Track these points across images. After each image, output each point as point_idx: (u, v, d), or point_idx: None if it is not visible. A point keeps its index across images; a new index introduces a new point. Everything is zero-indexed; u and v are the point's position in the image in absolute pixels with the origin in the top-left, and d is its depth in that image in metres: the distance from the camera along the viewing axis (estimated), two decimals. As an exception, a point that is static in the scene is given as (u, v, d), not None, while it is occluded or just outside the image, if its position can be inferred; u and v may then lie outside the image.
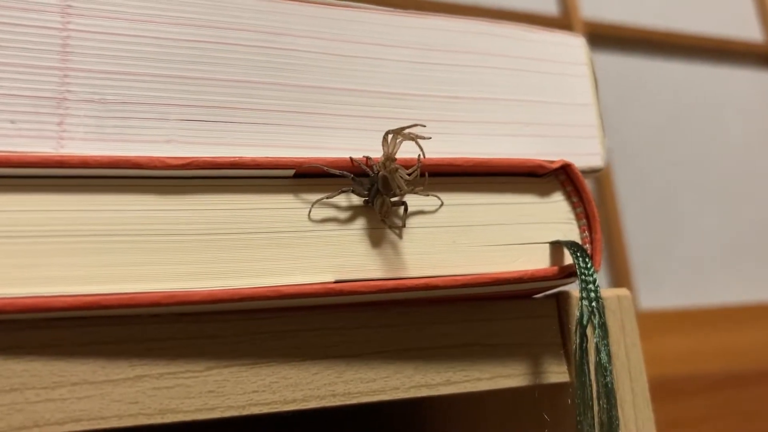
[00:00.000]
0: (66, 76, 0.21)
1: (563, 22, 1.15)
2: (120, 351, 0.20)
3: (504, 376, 0.24)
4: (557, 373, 0.25)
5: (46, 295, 0.19)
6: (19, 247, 0.19)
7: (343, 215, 0.22)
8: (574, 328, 0.22)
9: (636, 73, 1.21)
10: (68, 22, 0.21)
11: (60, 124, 0.21)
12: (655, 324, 1.00)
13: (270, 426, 0.40)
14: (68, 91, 0.21)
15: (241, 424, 0.40)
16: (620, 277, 1.03)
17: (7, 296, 0.19)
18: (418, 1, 1.00)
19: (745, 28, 1.35)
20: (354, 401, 0.22)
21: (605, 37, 1.17)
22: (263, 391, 0.21)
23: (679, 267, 1.14)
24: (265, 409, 0.21)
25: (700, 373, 1.03)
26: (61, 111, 0.21)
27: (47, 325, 0.19)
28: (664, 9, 1.28)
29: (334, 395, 0.22)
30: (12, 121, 0.20)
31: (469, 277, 0.22)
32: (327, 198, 0.22)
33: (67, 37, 0.21)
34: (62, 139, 0.21)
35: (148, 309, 0.20)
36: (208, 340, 0.21)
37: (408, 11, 0.25)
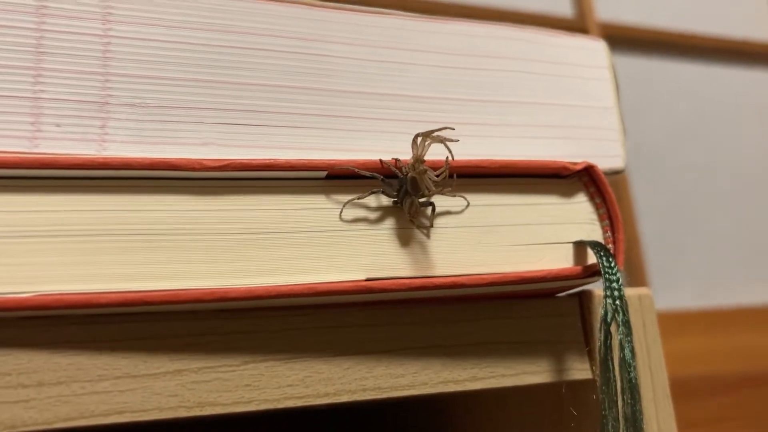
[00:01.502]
0: (107, 81, 0.22)
1: (578, 24, 1.16)
2: (161, 346, 0.21)
3: (528, 373, 0.25)
4: (580, 370, 0.25)
5: (90, 292, 0.20)
6: (66, 246, 0.20)
7: (373, 215, 0.23)
8: (598, 325, 0.23)
9: (652, 75, 1.21)
10: (109, 29, 0.22)
11: (102, 127, 0.21)
12: (670, 325, 1.00)
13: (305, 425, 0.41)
14: (110, 96, 0.22)
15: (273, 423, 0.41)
16: (636, 278, 1.03)
17: (55, 293, 0.19)
18: (436, 4, 1.00)
19: (762, 29, 1.35)
20: (384, 396, 0.23)
21: (621, 39, 1.17)
22: (297, 385, 0.22)
23: (694, 268, 1.14)
24: (299, 403, 0.22)
25: (715, 374, 1.03)
26: (102, 114, 0.21)
27: (92, 321, 0.20)
28: (680, 10, 1.28)
29: (364, 390, 0.22)
30: (58, 125, 0.21)
31: (495, 276, 0.23)
32: (358, 199, 0.23)
33: (108, 43, 0.22)
34: (104, 141, 0.21)
35: (189, 305, 0.20)
36: (244, 335, 0.21)
37: (435, 17, 0.25)
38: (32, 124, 0.21)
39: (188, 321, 0.21)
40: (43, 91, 0.21)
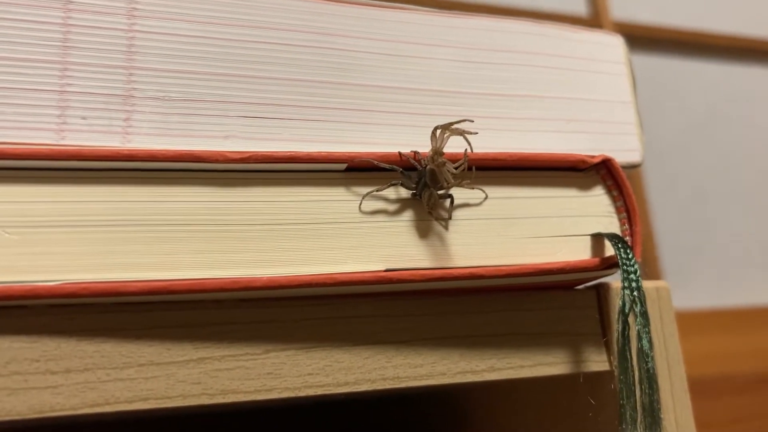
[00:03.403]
0: (132, 74, 0.22)
1: (593, 22, 1.16)
2: (185, 334, 0.21)
3: (546, 364, 0.25)
4: (597, 362, 0.25)
5: (116, 280, 0.20)
6: (92, 236, 0.20)
7: (392, 207, 0.23)
8: (615, 316, 0.23)
9: (667, 74, 1.21)
10: (134, 24, 0.22)
11: (126, 120, 0.22)
12: (685, 324, 0.99)
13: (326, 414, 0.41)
14: (134, 89, 0.22)
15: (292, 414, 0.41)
16: (651, 276, 1.03)
17: (81, 281, 0.20)
18: (453, 3, 1.00)
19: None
20: (402, 385, 0.23)
21: (635, 38, 1.17)
22: (317, 373, 0.22)
23: (709, 267, 1.14)
24: (320, 391, 0.22)
25: (730, 373, 1.03)
26: (127, 107, 0.22)
27: (117, 309, 0.21)
28: (695, 9, 1.28)
29: (384, 379, 0.23)
30: (83, 117, 0.21)
31: (513, 268, 0.23)
32: (377, 191, 0.23)
33: (133, 37, 0.22)
34: (128, 134, 0.22)
35: (212, 294, 0.21)
36: (266, 324, 0.22)
37: (455, 12, 0.26)
38: (59, 116, 0.21)
39: (212, 310, 0.21)
40: (69, 84, 0.21)
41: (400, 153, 0.23)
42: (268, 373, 0.22)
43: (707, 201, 1.19)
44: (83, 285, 0.20)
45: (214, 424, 0.39)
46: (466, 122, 0.22)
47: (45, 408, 0.19)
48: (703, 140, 1.22)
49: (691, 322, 1.02)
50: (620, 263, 0.23)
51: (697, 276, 1.13)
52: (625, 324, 0.23)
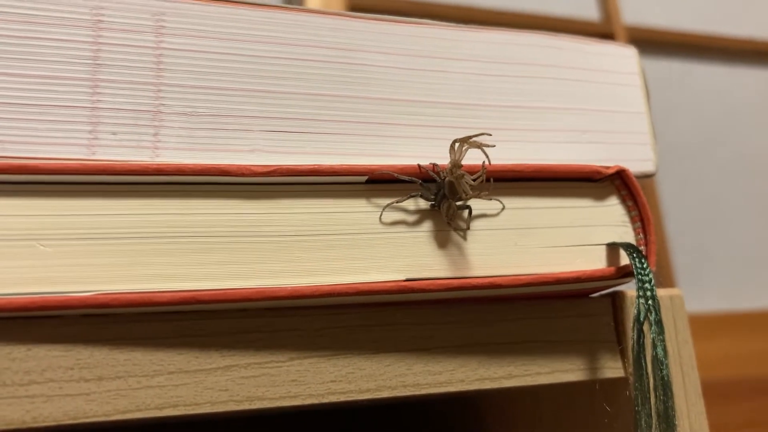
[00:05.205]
0: (160, 90, 0.23)
1: (605, 27, 1.16)
2: (212, 343, 0.22)
3: (562, 371, 0.25)
4: (612, 369, 0.26)
5: (146, 291, 0.21)
6: (122, 248, 0.21)
7: (412, 218, 0.24)
8: (631, 324, 0.24)
9: (679, 77, 1.21)
10: (161, 41, 0.23)
11: (155, 135, 0.22)
12: (698, 328, 0.99)
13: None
14: (162, 105, 0.23)
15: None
16: (664, 280, 1.03)
17: (113, 292, 0.20)
18: (469, 9, 1.01)
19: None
20: (422, 392, 0.24)
21: (647, 42, 1.17)
22: (340, 380, 0.23)
23: (722, 271, 1.14)
24: (342, 398, 0.23)
25: (743, 377, 1.03)
26: (156, 123, 0.23)
27: (147, 319, 0.21)
28: (706, 12, 1.28)
29: (404, 386, 0.23)
30: (114, 133, 0.22)
31: (531, 277, 0.24)
32: (397, 202, 0.24)
33: (161, 55, 0.23)
34: (157, 148, 0.22)
35: (238, 304, 0.21)
36: (290, 333, 0.22)
37: (471, 26, 0.26)
38: (90, 132, 0.22)
39: (238, 319, 0.22)
40: (100, 101, 0.22)
41: (419, 165, 0.24)
42: (293, 381, 0.22)
43: (720, 205, 1.19)
44: (114, 295, 0.20)
45: (242, 426, 0.40)
46: (484, 135, 0.23)
47: (79, 414, 0.20)
48: (715, 144, 1.22)
49: (702, 326, 1.02)
50: (635, 272, 0.24)
51: (710, 279, 1.13)
52: (640, 332, 0.23)
